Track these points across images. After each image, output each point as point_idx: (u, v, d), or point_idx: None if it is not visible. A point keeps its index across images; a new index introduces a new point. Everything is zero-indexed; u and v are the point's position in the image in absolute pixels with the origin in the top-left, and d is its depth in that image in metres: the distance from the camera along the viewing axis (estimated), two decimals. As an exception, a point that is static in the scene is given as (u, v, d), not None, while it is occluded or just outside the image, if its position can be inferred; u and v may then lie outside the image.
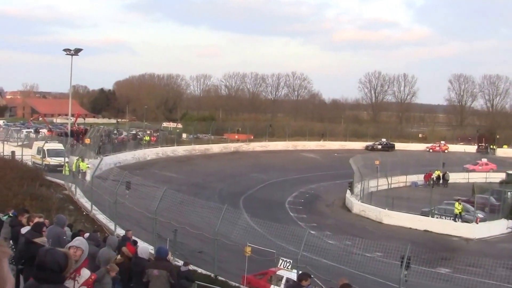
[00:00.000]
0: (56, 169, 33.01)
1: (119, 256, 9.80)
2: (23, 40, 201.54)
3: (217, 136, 69.20)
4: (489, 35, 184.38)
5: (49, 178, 29.12)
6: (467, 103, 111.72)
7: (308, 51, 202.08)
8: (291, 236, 17.22)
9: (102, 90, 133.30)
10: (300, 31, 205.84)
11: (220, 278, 16.46)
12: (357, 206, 34.61)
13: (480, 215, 30.79)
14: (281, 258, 15.54)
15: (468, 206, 31.53)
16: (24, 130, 58.99)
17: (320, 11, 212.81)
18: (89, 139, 45.49)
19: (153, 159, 49.89)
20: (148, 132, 62.82)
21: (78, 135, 50.45)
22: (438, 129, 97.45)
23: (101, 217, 22.34)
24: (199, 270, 16.64)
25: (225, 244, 17.90)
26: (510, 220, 31.41)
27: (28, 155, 36.38)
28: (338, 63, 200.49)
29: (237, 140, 65.64)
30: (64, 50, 45.57)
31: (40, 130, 61.07)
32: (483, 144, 73.69)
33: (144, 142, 55.27)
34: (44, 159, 35.43)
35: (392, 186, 41.70)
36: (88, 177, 29.41)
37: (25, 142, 42.73)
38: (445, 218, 30.84)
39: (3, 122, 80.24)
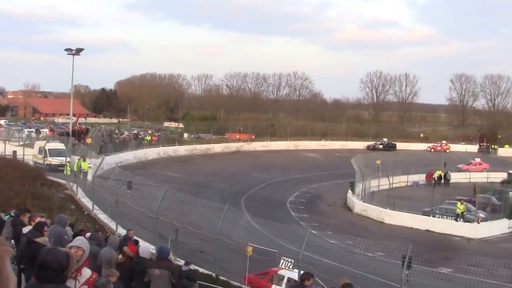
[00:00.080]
0: (57, 169, 33.10)
1: (120, 256, 9.81)
2: (24, 39, 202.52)
3: (219, 135, 69.23)
4: (491, 35, 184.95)
5: (50, 177, 29.15)
6: (468, 102, 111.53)
7: (310, 50, 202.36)
8: (292, 236, 17.18)
9: (103, 89, 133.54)
10: (301, 30, 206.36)
11: (221, 277, 16.46)
12: (359, 205, 34.60)
13: (482, 214, 30.78)
14: (283, 257, 15.54)
15: (470, 205, 31.50)
16: (26, 130, 59.02)
17: (322, 11, 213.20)
18: (90, 139, 45.52)
19: (154, 158, 49.91)
20: (150, 131, 62.75)
21: (79, 134, 50.53)
22: (440, 128, 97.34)
23: (103, 217, 22.36)
24: (201, 269, 16.65)
25: (227, 243, 17.88)
26: (511, 220, 31.40)
27: (29, 155, 36.48)
28: (339, 63, 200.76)
29: (239, 140, 65.61)
30: (66, 49, 45.64)
31: (41, 130, 61.09)
32: (485, 144, 73.68)
33: (145, 141, 55.33)
34: (45, 158, 35.50)
35: (394, 185, 41.58)
36: (89, 177, 29.42)
37: (26, 142, 42.83)
38: (447, 218, 30.85)
39: (5, 121, 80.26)
